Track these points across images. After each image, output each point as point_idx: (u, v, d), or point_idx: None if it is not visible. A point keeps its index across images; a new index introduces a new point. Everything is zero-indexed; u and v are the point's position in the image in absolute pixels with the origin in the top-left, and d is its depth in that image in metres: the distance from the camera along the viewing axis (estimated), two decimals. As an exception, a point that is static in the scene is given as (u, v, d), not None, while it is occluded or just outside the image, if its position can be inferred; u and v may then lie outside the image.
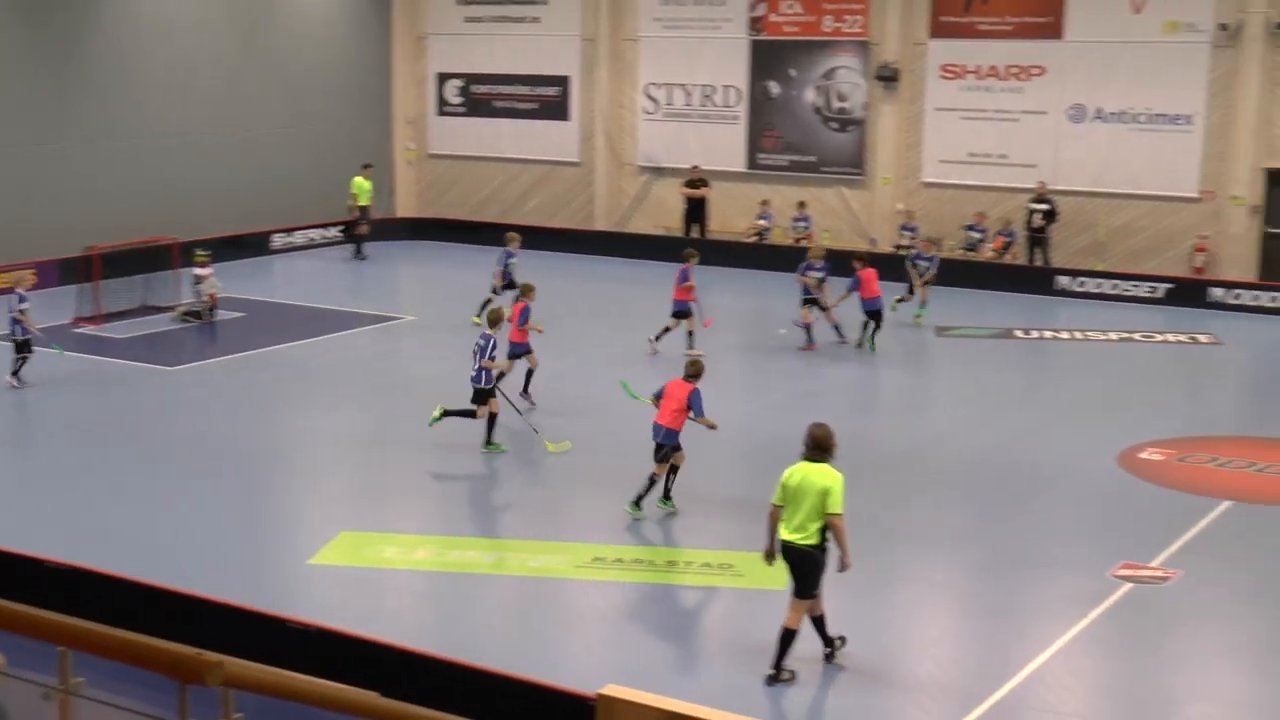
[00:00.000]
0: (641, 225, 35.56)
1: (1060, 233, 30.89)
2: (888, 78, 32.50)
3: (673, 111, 35.38)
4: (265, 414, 20.20)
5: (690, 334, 23.26)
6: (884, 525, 15.56)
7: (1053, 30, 30.95)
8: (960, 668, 12.10)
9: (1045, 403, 21.44)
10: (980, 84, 31.86)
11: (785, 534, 11.57)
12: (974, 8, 31.61)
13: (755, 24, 34.06)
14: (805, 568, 11.58)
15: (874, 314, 23.90)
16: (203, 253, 26.70)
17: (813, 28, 33.45)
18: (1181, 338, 25.78)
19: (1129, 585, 13.67)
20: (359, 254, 33.89)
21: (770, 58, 34.07)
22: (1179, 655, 12.26)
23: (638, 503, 15.68)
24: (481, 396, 18.04)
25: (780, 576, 13.88)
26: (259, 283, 29.36)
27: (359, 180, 34.23)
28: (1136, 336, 25.79)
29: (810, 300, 24.30)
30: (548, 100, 36.84)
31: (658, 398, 15.98)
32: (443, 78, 38.11)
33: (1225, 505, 16.19)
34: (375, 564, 14.25)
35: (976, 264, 30.67)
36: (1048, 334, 25.99)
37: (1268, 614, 13.35)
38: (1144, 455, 18.18)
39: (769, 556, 11.85)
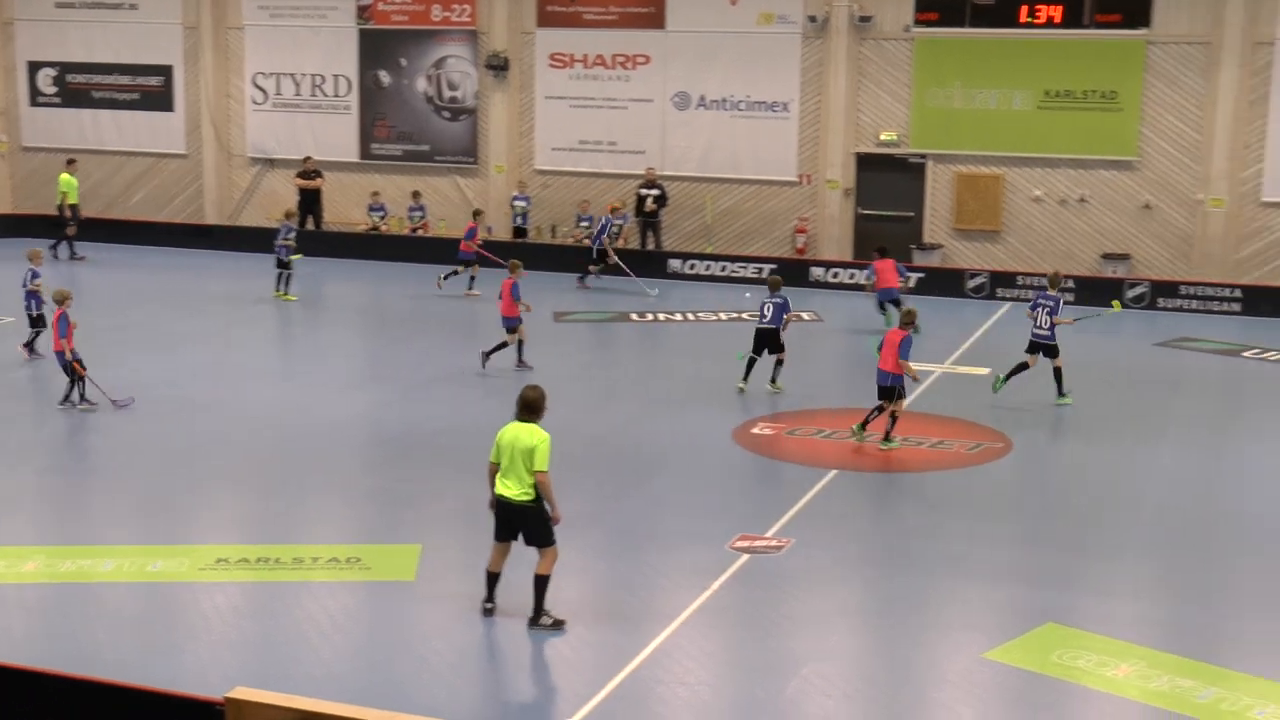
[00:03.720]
0: (254, 218, 34.82)
1: (670, 217, 31.86)
2: (498, 67, 32.78)
3: (282, 102, 34.76)
4: None
5: (521, 344, 22.33)
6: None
7: (655, 20, 31.83)
8: (590, 646, 12.38)
9: (662, 383, 22.08)
10: (588, 73, 32.50)
11: (502, 490, 12.30)
12: (579, -2, 32.24)
13: (363, 13, 33.80)
14: (527, 522, 12.34)
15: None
16: None
17: (421, 17, 33.42)
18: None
19: (746, 556, 14.25)
20: (73, 255, 32.05)
21: (380, 47, 33.87)
22: (794, 619, 12.84)
23: (865, 425, 18.40)
24: (1054, 351, 20.36)
25: (408, 567, 13.93)
26: None
27: (65, 177, 32.32)
28: (745, 316, 26.80)
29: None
30: (150, 90, 35.62)
31: (879, 348, 18.41)
32: (34, 66, 36.35)
33: (832, 474, 17.06)
34: (-19, 580, 13.54)
35: (590, 250, 31.25)
36: (662, 316, 26.73)
37: (872, 575, 14.14)
38: (756, 430, 18.97)
39: (491, 506, 12.57)
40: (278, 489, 16.55)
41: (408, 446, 18.31)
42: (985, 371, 22.45)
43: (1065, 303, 21.34)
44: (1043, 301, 20.49)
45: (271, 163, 35.02)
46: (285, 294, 27.25)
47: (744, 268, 30.27)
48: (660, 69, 31.97)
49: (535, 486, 12.25)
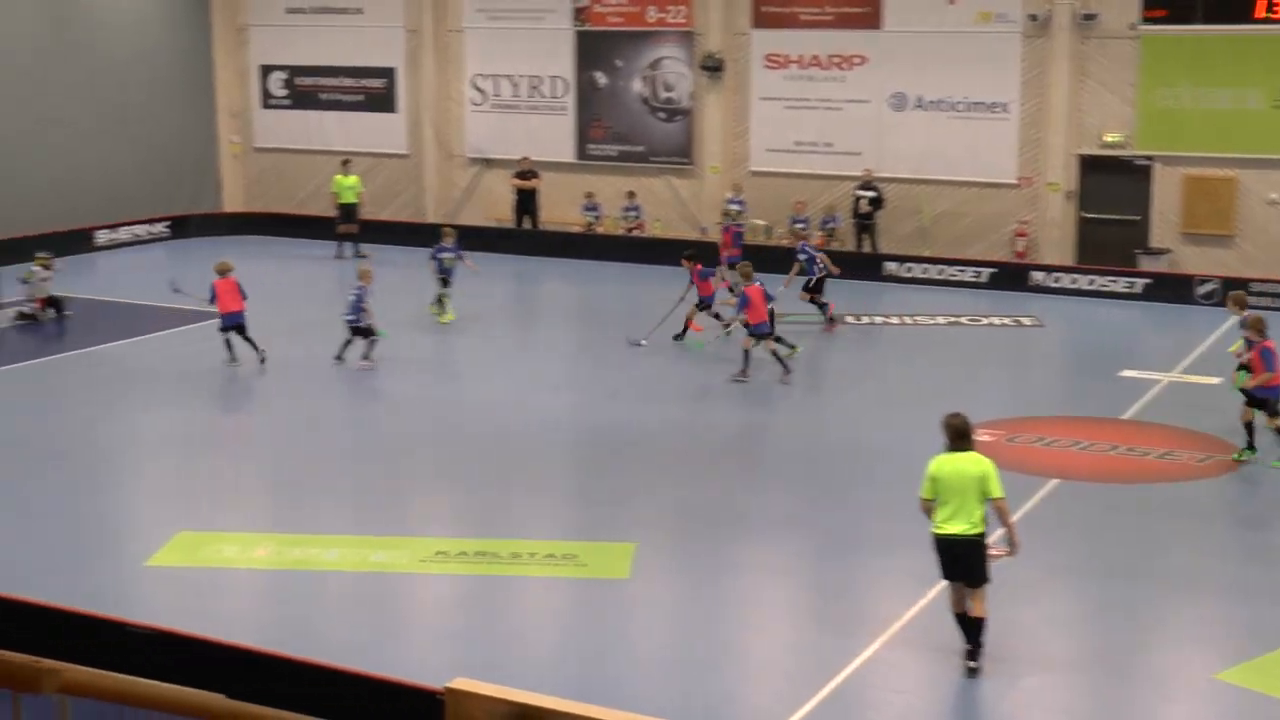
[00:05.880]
0: (472, 217, 35.37)
1: (886, 219, 31.46)
2: (712, 68, 32.76)
3: (500, 103, 35.26)
4: (96, 413, 19.70)
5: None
6: (719, 512, 15.73)
7: (871, 20, 31.46)
8: (804, 650, 12.27)
9: (877, 387, 21.82)
10: (803, 73, 32.28)
11: (949, 528, 11.52)
12: (795, -3, 32.06)
13: (579, 15, 34.08)
14: (977, 557, 11.61)
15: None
16: (43, 255, 25.84)
17: (636, 18, 33.58)
18: (1006, 321, 26.43)
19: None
20: (357, 253, 32.04)
21: (596, 48, 34.13)
22: (1014, 628, 12.55)
23: (1251, 446, 17.43)
24: None
25: (622, 565, 13.96)
26: (84, 280, 28.54)
27: (338, 178, 33.39)
28: (963, 320, 26.37)
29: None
30: (373, 92, 36.45)
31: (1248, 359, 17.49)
32: (266, 69, 37.48)
33: (1053, 483, 16.63)
34: (214, 564, 14.00)
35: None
36: (878, 319, 26.44)
37: (1094, 586, 13.75)
38: (975, 437, 18.55)
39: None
40: (494, 483, 16.77)
41: (622, 444, 18.38)
42: (1216, 381, 21.68)
43: None
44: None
45: (489, 163, 35.54)
46: (442, 313, 25.64)
47: (961, 271, 29.75)
48: (877, 69, 31.59)
49: (982, 519, 11.54)
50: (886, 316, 26.71)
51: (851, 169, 31.66)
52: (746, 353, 21.41)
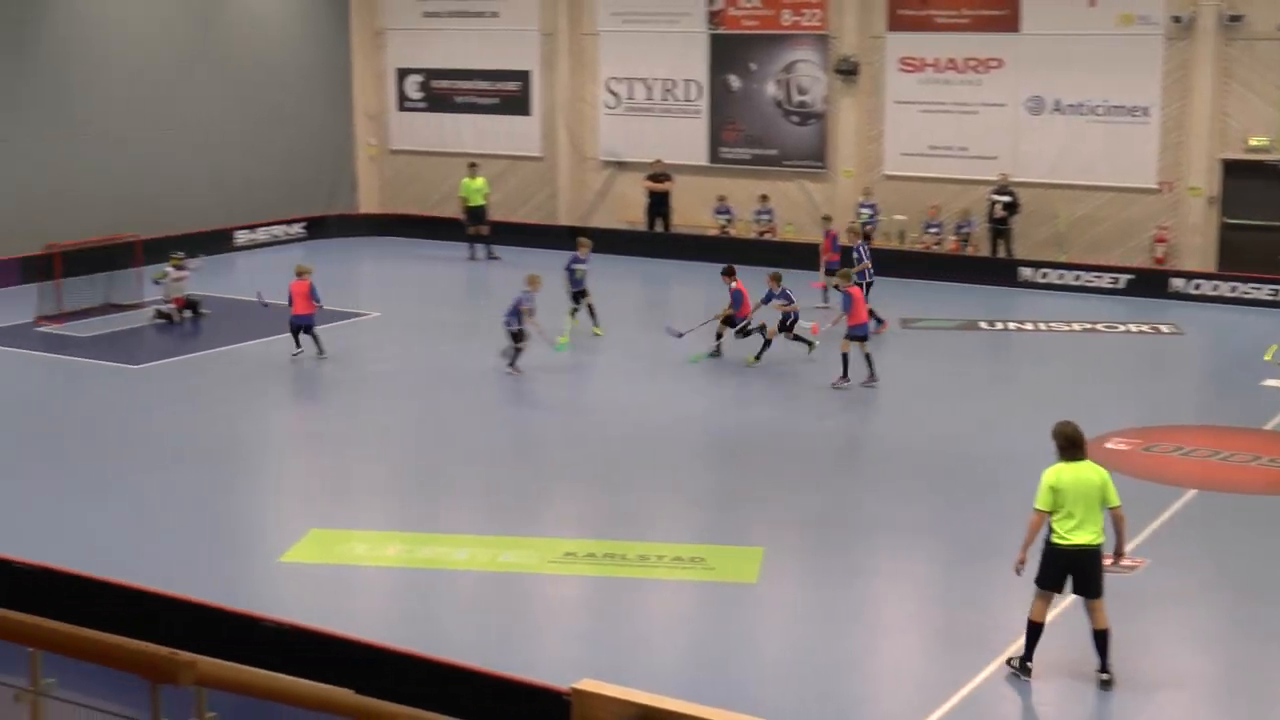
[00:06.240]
0: (605, 219, 35.51)
1: (1022, 224, 31.01)
2: (847, 71, 32.54)
3: (634, 106, 35.36)
4: (231, 411, 20.10)
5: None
6: (847, 517, 15.63)
7: (1009, 23, 31.05)
8: (931, 658, 12.14)
9: (1011, 393, 21.54)
10: (939, 77, 31.95)
11: (1076, 538, 11.26)
12: (931, 1, 31.69)
13: (714, 18, 34.06)
14: (1099, 567, 11.39)
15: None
16: (177, 255, 26.41)
17: (771, 21, 33.48)
18: (1144, 328, 25.94)
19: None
20: (489, 255, 32.93)
21: (730, 51, 34.08)
22: (1147, 641, 12.32)
23: None
24: None
25: (750, 569, 13.91)
26: (223, 280, 29.13)
27: (465, 181, 33.88)
28: (1099, 327, 25.93)
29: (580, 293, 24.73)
30: (508, 95, 36.74)
31: None
32: (403, 73, 37.97)
33: (1191, 494, 16.29)
34: (346, 561, 14.20)
35: (940, 256, 30.81)
36: (1012, 325, 26.09)
37: (1232, 600, 13.45)
38: (1110, 445, 18.24)
39: (1023, 565, 11.58)
40: (622, 486, 16.82)
41: (751, 449, 18.34)
42: (1361, 391, 21.09)
43: None
44: None
45: (622, 165, 35.64)
46: (578, 325, 24.74)
47: (1099, 277, 29.25)
48: (1013, 72, 31.16)
49: (1103, 529, 11.33)
50: (1021, 323, 26.34)
51: (987, 173, 31.27)
52: (845, 355, 21.25)
